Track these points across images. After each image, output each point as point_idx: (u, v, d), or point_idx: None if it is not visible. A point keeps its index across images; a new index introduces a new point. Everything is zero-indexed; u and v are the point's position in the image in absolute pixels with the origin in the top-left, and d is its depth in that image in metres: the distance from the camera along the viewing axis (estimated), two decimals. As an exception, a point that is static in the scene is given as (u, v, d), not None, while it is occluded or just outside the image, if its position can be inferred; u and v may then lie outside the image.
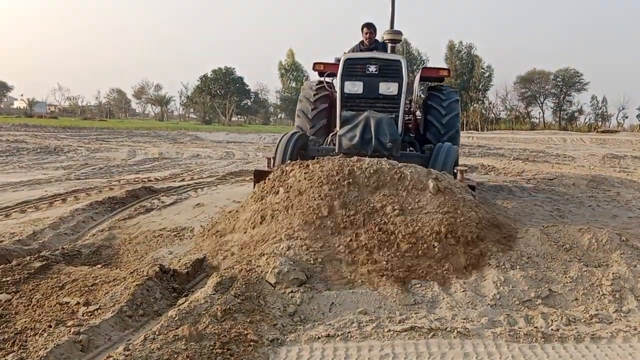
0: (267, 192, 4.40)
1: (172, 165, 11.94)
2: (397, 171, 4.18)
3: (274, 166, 5.24)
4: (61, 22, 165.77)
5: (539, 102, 64.68)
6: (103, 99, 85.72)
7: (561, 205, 6.93)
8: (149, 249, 4.19)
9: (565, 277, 3.53)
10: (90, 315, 2.85)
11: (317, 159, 4.47)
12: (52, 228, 4.72)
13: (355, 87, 5.76)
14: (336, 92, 6.03)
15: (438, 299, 3.27)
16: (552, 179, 9.72)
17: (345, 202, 3.99)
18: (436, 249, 3.69)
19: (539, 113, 65.06)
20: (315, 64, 6.84)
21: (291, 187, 4.24)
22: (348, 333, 2.80)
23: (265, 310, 3.01)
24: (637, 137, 31.40)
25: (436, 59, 65.17)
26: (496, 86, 66.52)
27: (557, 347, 2.71)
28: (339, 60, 6.15)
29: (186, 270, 3.61)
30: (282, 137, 5.57)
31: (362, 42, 6.95)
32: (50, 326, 2.72)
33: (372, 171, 4.15)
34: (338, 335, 2.77)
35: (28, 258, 3.59)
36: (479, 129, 52.81)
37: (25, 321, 2.79)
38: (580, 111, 63.59)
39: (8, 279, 3.26)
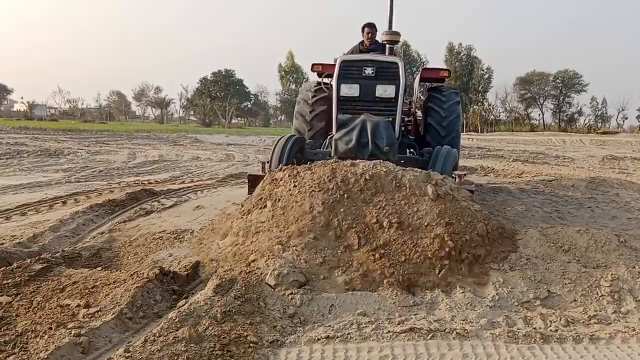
0: (253, 206, 4.20)
1: (172, 167, 11.95)
2: (394, 177, 4.02)
3: (270, 170, 5.13)
4: (61, 24, 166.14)
5: (538, 103, 64.68)
6: (103, 101, 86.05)
7: (560, 207, 6.94)
8: (149, 252, 4.20)
9: (564, 278, 3.55)
10: (91, 317, 2.85)
11: (309, 164, 4.35)
12: (52, 230, 4.72)
13: (351, 89, 5.66)
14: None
15: (437, 300, 3.29)
16: (551, 181, 9.74)
17: (338, 216, 3.77)
18: (437, 270, 3.53)
19: (539, 114, 65.10)
20: (313, 64, 6.76)
21: (279, 199, 4.05)
22: (347, 334, 2.81)
23: (265, 312, 3.02)
24: (636, 138, 31.41)
25: (436, 61, 65.41)
26: (496, 88, 66.76)
27: (556, 348, 2.73)
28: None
29: (186, 272, 3.62)
30: (278, 140, 5.49)
31: (362, 43, 6.89)
32: (50, 328, 2.72)
33: (367, 177, 3.98)
34: (337, 337, 2.78)
35: (28, 260, 3.60)
36: (479, 131, 52.84)
37: (25, 323, 2.79)
38: (580, 112, 63.69)
39: (9, 281, 3.27)
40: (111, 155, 14.68)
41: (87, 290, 3.18)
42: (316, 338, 2.78)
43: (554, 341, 2.78)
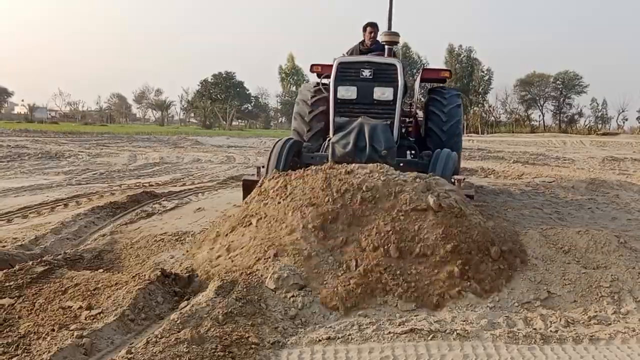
0: (238, 223, 4.01)
1: (172, 169, 11.98)
2: (393, 191, 3.73)
3: (267, 174, 5.02)
4: (61, 27, 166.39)
5: (539, 105, 64.77)
6: (104, 104, 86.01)
7: (560, 208, 6.95)
8: (151, 254, 4.22)
9: (564, 279, 3.56)
10: (93, 319, 2.86)
11: (305, 169, 4.19)
12: (54, 233, 4.74)
13: (348, 92, 5.56)
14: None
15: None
16: (551, 182, 9.75)
17: (330, 240, 3.52)
18: (442, 292, 3.32)
19: (539, 116, 65.23)
20: (312, 65, 6.70)
21: (264, 216, 3.85)
22: (349, 336, 2.82)
23: (267, 313, 3.04)
24: (637, 140, 31.45)
25: (436, 63, 65.57)
26: (496, 89, 66.71)
27: (556, 349, 2.74)
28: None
29: (187, 274, 3.64)
30: (275, 144, 5.39)
31: (362, 42, 6.76)
32: (53, 330, 2.73)
33: (365, 189, 3.72)
34: (339, 338, 2.80)
35: (31, 263, 3.60)
36: (479, 132, 52.89)
37: (28, 325, 2.81)
38: (580, 114, 63.78)
39: (11, 283, 3.28)
40: (112, 158, 14.70)
41: (89, 292, 3.19)
42: (317, 339, 2.79)
43: (554, 342, 2.79)
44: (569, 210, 6.80)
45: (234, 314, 2.94)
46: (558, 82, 62.86)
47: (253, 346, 2.67)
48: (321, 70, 6.53)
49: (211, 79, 73.79)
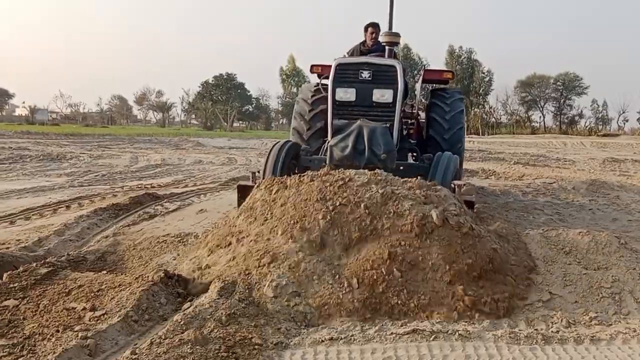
0: (219, 243, 3.81)
1: (174, 171, 12.00)
2: (391, 205, 3.53)
3: (263, 177, 4.93)
4: (62, 29, 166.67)
5: (539, 106, 64.81)
6: (104, 105, 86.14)
7: (561, 209, 6.98)
8: (154, 255, 4.23)
9: (565, 280, 3.57)
10: (97, 320, 2.88)
11: (298, 177, 3.99)
12: (57, 234, 4.76)
13: (347, 94, 5.41)
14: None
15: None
16: (552, 183, 9.77)
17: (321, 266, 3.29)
18: (452, 313, 3.16)
19: (540, 117, 65.24)
20: (312, 66, 6.59)
21: (246, 237, 3.65)
22: (351, 336, 2.84)
23: (269, 314, 3.05)
24: (637, 141, 31.43)
25: (436, 64, 65.51)
26: (496, 91, 66.85)
27: (557, 349, 2.75)
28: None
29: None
30: (272, 147, 5.25)
31: (363, 43, 6.64)
32: (57, 331, 2.75)
33: (364, 208, 3.51)
34: (341, 339, 2.81)
35: (34, 264, 3.62)
36: (480, 134, 52.88)
37: (33, 326, 2.83)
38: (581, 115, 63.79)
39: (15, 285, 3.29)
40: (113, 160, 14.73)
41: (92, 294, 3.21)
42: (320, 340, 2.81)
43: (556, 342, 2.81)
44: (570, 212, 6.82)
45: (237, 315, 2.95)
46: (558, 83, 62.91)
47: (256, 347, 2.68)
48: (321, 70, 6.43)
49: (212, 81, 73.96)
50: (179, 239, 4.61)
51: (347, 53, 6.70)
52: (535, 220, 6.09)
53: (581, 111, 63.68)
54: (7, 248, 4.27)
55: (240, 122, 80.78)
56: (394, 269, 3.24)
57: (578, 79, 62.24)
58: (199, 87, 75.19)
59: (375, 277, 3.21)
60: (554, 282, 3.55)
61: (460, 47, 63.05)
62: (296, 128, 6.52)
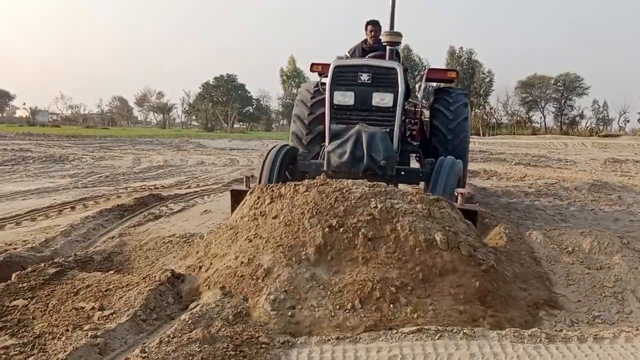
0: (195, 266, 3.67)
1: (177, 172, 12.03)
2: (391, 223, 3.34)
3: (259, 182, 4.84)
4: (62, 29, 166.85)
5: (540, 106, 64.84)
6: (105, 107, 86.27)
7: (563, 209, 7.01)
8: (160, 255, 4.26)
9: (568, 279, 3.61)
10: (106, 319, 2.91)
11: (293, 187, 3.83)
12: (63, 235, 4.80)
13: (345, 97, 5.15)
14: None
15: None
16: (554, 184, 9.80)
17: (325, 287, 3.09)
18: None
19: (541, 118, 65.32)
20: (312, 64, 6.40)
21: (224, 257, 3.48)
22: (357, 335, 2.87)
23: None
24: (638, 141, 31.44)
25: (437, 65, 65.50)
26: (497, 91, 66.95)
27: (561, 348, 2.77)
28: (340, 59, 5.68)
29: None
30: (269, 152, 5.10)
31: (365, 41, 6.39)
32: (67, 330, 2.78)
33: (364, 231, 3.31)
34: (347, 338, 2.84)
35: (42, 265, 3.66)
36: (481, 134, 52.92)
37: (43, 326, 2.86)
38: (582, 116, 63.86)
39: (24, 285, 3.33)
40: (116, 161, 14.76)
41: (100, 293, 3.24)
42: (326, 339, 2.83)
43: (559, 341, 2.83)
44: (572, 212, 6.85)
45: (244, 314, 2.99)
46: (559, 84, 62.97)
47: (263, 346, 2.71)
48: (321, 69, 6.23)
49: (213, 82, 74.15)
50: (185, 239, 4.64)
51: (349, 52, 6.51)
52: (538, 220, 6.12)
53: (582, 112, 63.85)
54: (15, 249, 4.29)
55: (241, 123, 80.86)
56: (395, 293, 3.07)
57: (579, 79, 62.36)
58: (200, 88, 75.54)
59: (377, 296, 3.07)
60: (557, 282, 3.59)
61: (461, 47, 63.30)
62: (295, 132, 6.35)
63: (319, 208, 3.47)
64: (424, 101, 7.23)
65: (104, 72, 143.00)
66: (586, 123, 63.24)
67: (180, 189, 8.72)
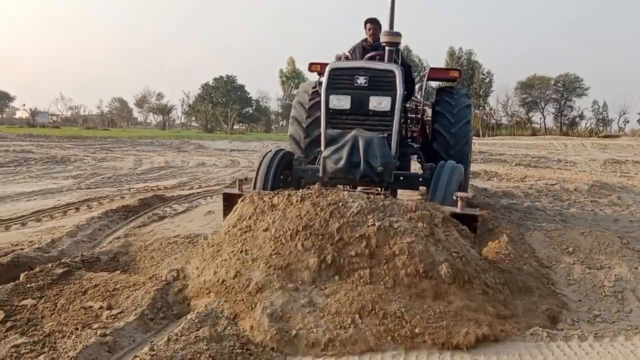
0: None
1: (179, 173, 12.07)
2: (390, 245, 3.15)
3: (254, 188, 4.75)
4: (62, 29, 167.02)
5: (540, 107, 64.92)
6: (105, 108, 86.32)
7: (563, 210, 7.05)
8: (165, 255, 4.30)
9: (569, 279, 3.66)
10: (114, 318, 2.96)
11: (286, 198, 3.68)
12: (69, 236, 4.84)
13: (341, 101, 4.95)
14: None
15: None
16: (554, 184, 9.84)
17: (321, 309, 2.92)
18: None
19: (540, 118, 65.41)
20: (311, 64, 6.21)
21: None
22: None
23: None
24: (638, 142, 31.51)
25: (437, 65, 65.50)
26: (497, 92, 67.07)
27: (562, 346, 2.82)
28: (340, 58, 5.55)
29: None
30: (264, 157, 4.97)
31: (365, 40, 6.15)
32: (76, 329, 2.82)
33: (359, 251, 3.14)
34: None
35: (50, 265, 3.71)
36: (481, 135, 52.98)
37: (52, 325, 2.90)
38: (582, 116, 63.95)
39: (32, 284, 3.38)
40: (117, 162, 14.79)
41: (108, 293, 3.29)
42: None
43: (560, 339, 2.87)
44: (572, 212, 6.89)
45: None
46: (559, 84, 63.06)
47: (268, 345, 2.75)
48: (320, 69, 6.04)
49: (212, 83, 74.27)
50: (189, 239, 4.69)
51: (349, 51, 6.30)
52: (539, 221, 6.16)
53: (582, 112, 63.93)
54: (22, 249, 4.34)
55: (240, 124, 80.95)
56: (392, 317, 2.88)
57: (578, 80, 62.47)
58: (199, 89, 75.64)
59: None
60: (558, 281, 3.64)
61: (460, 48, 63.46)
62: (293, 135, 6.21)
63: (313, 228, 3.27)
64: (426, 101, 7.18)
65: (103, 72, 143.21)
66: (586, 124, 63.47)
67: (183, 190, 8.76)
